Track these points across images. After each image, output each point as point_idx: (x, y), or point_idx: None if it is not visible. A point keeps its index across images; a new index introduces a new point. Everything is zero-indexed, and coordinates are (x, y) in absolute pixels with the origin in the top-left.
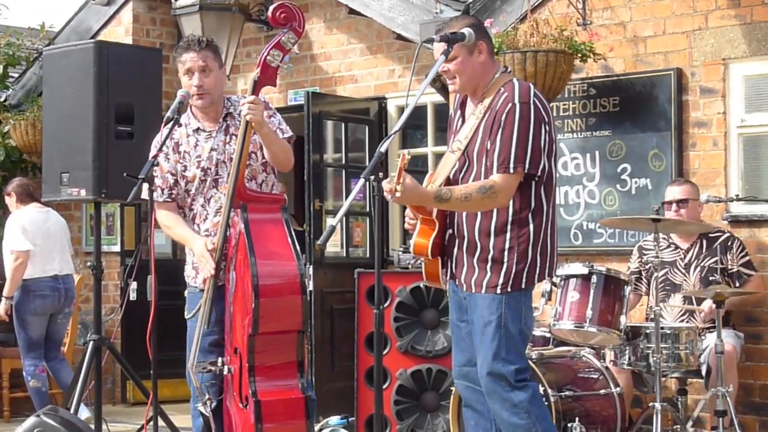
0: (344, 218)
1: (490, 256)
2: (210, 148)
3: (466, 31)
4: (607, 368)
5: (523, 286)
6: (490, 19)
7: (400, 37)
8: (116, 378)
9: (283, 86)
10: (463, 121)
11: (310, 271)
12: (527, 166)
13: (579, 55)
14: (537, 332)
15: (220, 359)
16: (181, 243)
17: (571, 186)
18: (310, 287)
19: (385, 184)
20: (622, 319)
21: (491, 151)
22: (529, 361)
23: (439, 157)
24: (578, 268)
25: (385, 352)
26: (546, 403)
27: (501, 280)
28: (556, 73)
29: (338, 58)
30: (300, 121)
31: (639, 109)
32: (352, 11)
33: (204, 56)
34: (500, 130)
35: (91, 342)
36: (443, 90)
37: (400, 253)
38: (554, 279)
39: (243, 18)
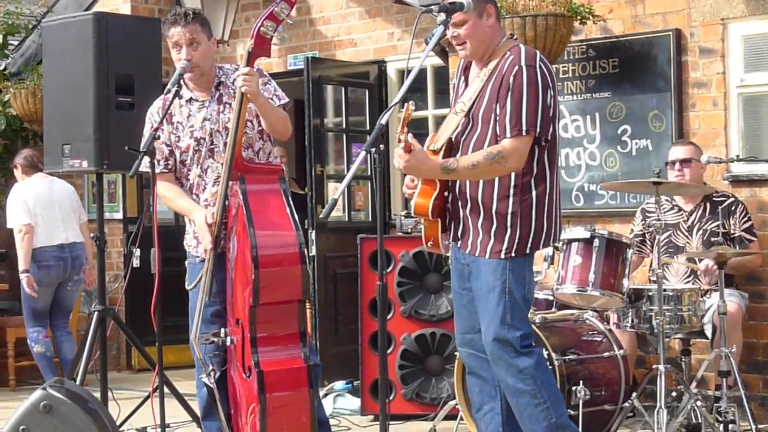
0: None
1: (494, 221)
2: (203, 118)
3: (465, 0)
4: (610, 331)
5: (527, 251)
6: None
7: (398, 0)
8: (121, 345)
9: (283, 50)
10: (467, 85)
11: (313, 236)
12: (539, 129)
13: (578, 17)
14: (540, 296)
15: (222, 330)
16: (181, 214)
17: (571, 148)
18: (313, 252)
19: (396, 154)
20: (625, 282)
21: (501, 115)
22: (533, 325)
23: (439, 119)
24: (580, 231)
25: (388, 317)
26: (550, 367)
27: (505, 246)
28: (555, 37)
29: (337, 21)
30: (299, 86)
31: (638, 71)
32: None
33: (191, 29)
34: (509, 93)
35: (96, 312)
36: (443, 53)
37: (402, 217)
38: (557, 243)
39: None
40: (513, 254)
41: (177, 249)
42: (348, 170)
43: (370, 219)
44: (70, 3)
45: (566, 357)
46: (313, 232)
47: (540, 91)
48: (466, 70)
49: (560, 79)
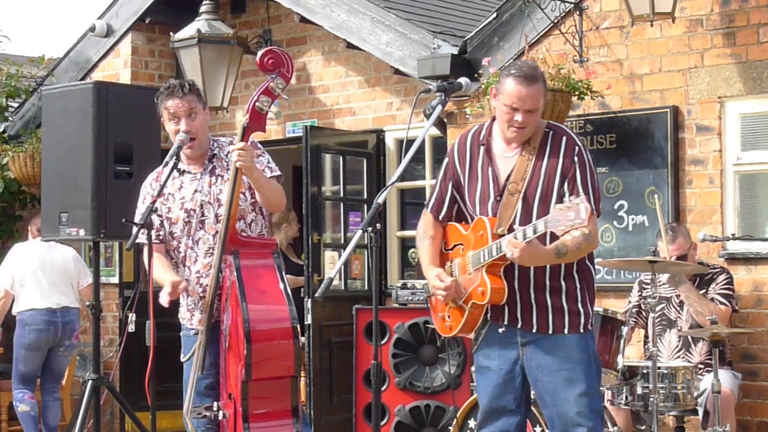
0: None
1: (565, 297)
2: (194, 190)
3: (463, 81)
4: (605, 407)
5: (590, 326)
6: (488, 58)
7: (398, 71)
8: (115, 410)
9: (282, 118)
10: (493, 164)
11: (309, 305)
12: (600, 207)
13: (576, 92)
14: None
15: (215, 404)
16: (160, 284)
17: None
18: (309, 320)
19: (510, 243)
20: (619, 359)
21: (572, 193)
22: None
23: None
24: None
25: (383, 389)
26: None
27: (582, 320)
28: (554, 112)
29: (336, 90)
30: (298, 154)
31: (636, 147)
32: (350, 45)
33: (189, 100)
34: (577, 174)
35: (90, 381)
36: (441, 125)
37: (398, 288)
38: None
39: (241, 50)
40: (590, 327)
41: (172, 315)
42: (345, 239)
43: (366, 288)
44: (70, 66)
45: None
46: (309, 300)
47: (595, 171)
48: (475, 145)
49: None
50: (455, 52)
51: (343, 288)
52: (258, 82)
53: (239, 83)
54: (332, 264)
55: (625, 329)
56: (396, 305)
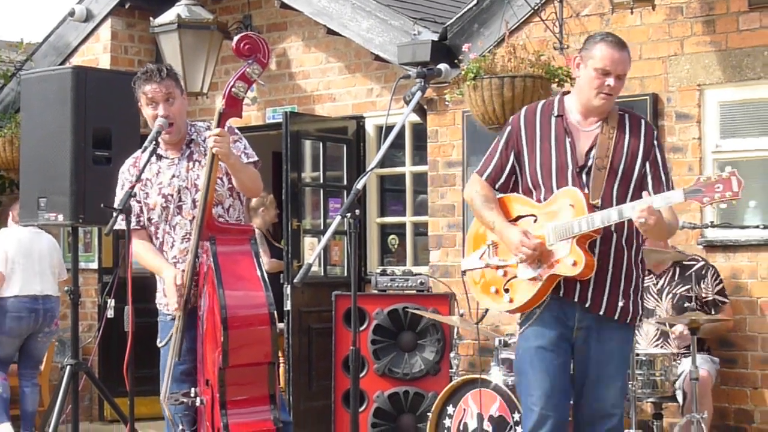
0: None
1: (634, 285)
2: (171, 175)
3: (443, 67)
4: None
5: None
6: (468, 44)
7: (378, 57)
8: (93, 396)
9: (262, 104)
10: (571, 136)
11: (288, 291)
12: None
13: (556, 79)
14: (513, 357)
15: (192, 390)
16: (151, 271)
17: None
18: (288, 306)
19: (639, 212)
20: None
21: (656, 178)
22: (505, 388)
23: (417, 176)
24: None
25: (362, 375)
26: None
27: (632, 312)
28: (533, 99)
29: (316, 76)
30: (278, 140)
31: None
32: (330, 31)
33: (167, 85)
34: (658, 156)
35: (68, 367)
36: (421, 111)
37: (378, 274)
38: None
39: (221, 36)
40: (636, 322)
41: (151, 300)
42: (324, 226)
43: (345, 274)
44: (49, 51)
45: None
46: (288, 286)
47: None
48: (545, 116)
49: None
50: (435, 39)
51: (322, 274)
52: (237, 68)
53: (219, 69)
54: (312, 250)
55: None
56: (375, 291)
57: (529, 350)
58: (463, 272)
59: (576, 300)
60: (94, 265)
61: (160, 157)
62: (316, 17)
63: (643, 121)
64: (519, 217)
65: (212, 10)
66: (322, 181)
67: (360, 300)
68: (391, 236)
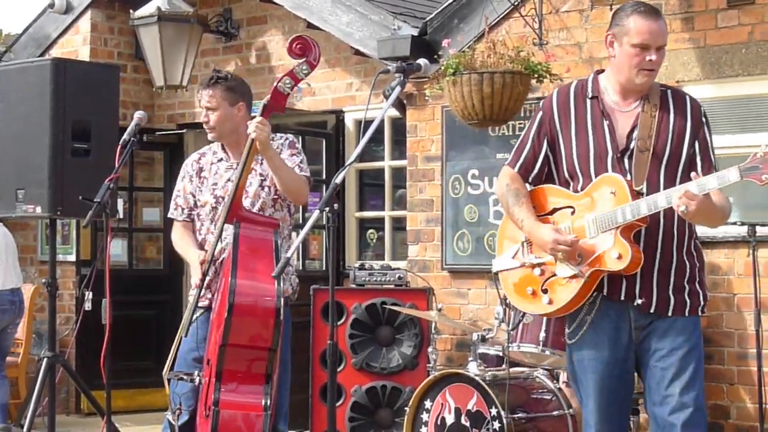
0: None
1: (688, 275)
2: (227, 178)
3: (422, 62)
4: (560, 389)
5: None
6: (448, 39)
7: (358, 51)
8: (70, 388)
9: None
10: (608, 118)
11: None
12: None
13: (536, 75)
14: (491, 352)
15: (196, 371)
16: (185, 259)
17: None
18: None
19: (679, 198)
20: None
21: (707, 158)
22: (483, 383)
23: (396, 170)
24: None
25: (339, 369)
26: (500, 425)
27: (702, 302)
28: (512, 94)
29: None
30: None
31: None
32: (310, 25)
33: (210, 94)
34: (707, 135)
35: (45, 359)
36: (400, 106)
37: (356, 269)
38: (508, 301)
39: (201, 29)
40: (705, 310)
41: (129, 293)
42: (303, 220)
43: (324, 268)
44: (29, 42)
45: (516, 415)
46: None
47: None
48: (581, 97)
49: (516, 135)
50: (415, 34)
51: (301, 268)
52: (216, 61)
53: (199, 62)
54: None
55: None
56: (353, 286)
57: (582, 361)
58: (495, 274)
59: (622, 299)
60: (72, 258)
61: (220, 160)
62: (296, 11)
63: (688, 98)
64: (555, 210)
65: (192, 3)
66: None
67: (338, 294)
68: (370, 230)
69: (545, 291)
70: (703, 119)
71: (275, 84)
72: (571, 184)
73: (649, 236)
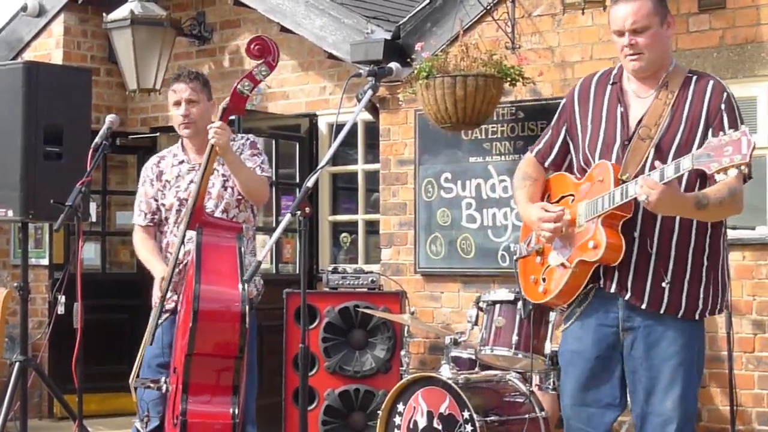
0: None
1: (687, 274)
2: (190, 180)
3: (394, 65)
4: (532, 392)
5: (717, 311)
6: (421, 43)
7: (331, 55)
8: (43, 392)
9: (214, 102)
10: (624, 105)
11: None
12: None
13: (508, 79)
14: (463, 355)
15: (163, 378)
16: (147, 267)
17: (498, 208)
18: None
19: (640, 187)
20: (548, 344)
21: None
22: (456, 386)
23: (370, 174)
24: (504, 294)
25: (312, 372)
26: (472, 428)
27: (700, 306)
28: (485, 98)
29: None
30: None
31: None
32: (283, 28)
33: (192, 87)
34: (725, 122)
35: (17, 363)
36: (373, 109)
37: (329, 272)
38: (481, 304)
39: (174, 32)
40: (707, 314)
41: (102, 296)
42: (276, 223)
43: (297, 271)
44: (1, 45)
45: (488, 418)
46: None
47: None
48: (616, 83)
49: (489, 139)
50: (388, 37)
51: (274, 271)
52: (190, 65)
53: (172, 65)
54: (263, 247)
55: (554, 315)
56: (326, 289)
57: (565, 354)
58: (515, 262)
59: (613, 291)
60: (45, 261)
61: (182, 162)
62: (270, 15)
63: (711, 82)
64: (562, 198)
65: (165, 7)
66: (274, 178)
67: (311, 298)
68: (343, 234)
69: (544, 279)
70: (723, 105)
71: (234, 86)
72: (587, 171)
73: (645, 226)
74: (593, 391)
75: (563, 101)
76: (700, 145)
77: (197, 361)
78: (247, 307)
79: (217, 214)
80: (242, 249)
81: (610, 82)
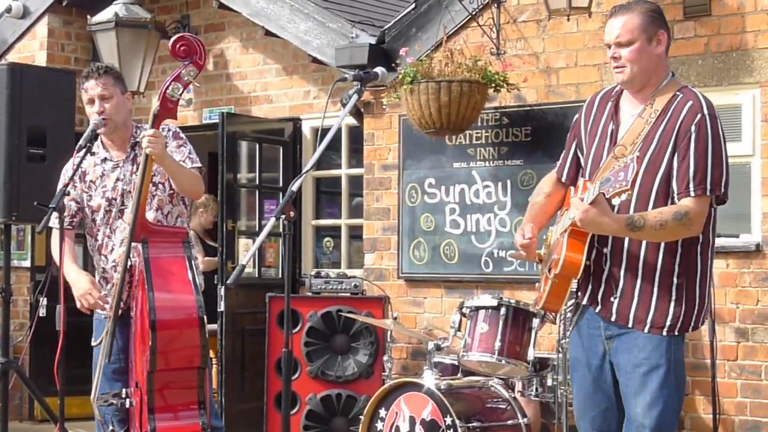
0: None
1: (656, 289)
2: (116, 178)
3: (379, 70)
4: (515, 398)
5: (690, 328)
6: (405, 48)
7: (315, 59)
8: (24, 395)
9: (198, 104)
10: (616, 122)
11: (222, 292)
12: (722, 189)
13: (493, 84)
14: (446, 361)
15: (123, 390)
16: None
17: (482, 214)
18: (222, 308)
19: (573, 205)
20: (530, 350)
21: (682, 169)
22: (438, 392)
23: (353, 178)
24: (487, 299)
25: (295, 377)
26: None
27: (669, 321)
28: (470, 103)
29: (254, 77)
30: (214, 140)
31: (550, 140)
32: (268, 32)
33: (104, 83)
34: (691, 144)
35: None
36: (357, 114)
37: (312, 277)
38: (464, 310)
39: (159, 35)
40: (676, 332)
41: None
42: (260, 227)
43: (280, 276)
44: None
45: (470, 424)
46: (222, 288)
47: (723, 146)
48: (604, 101)
49: (473, 145)
50: (373, 42)
51: (256, 276)
52: (175, 67)
53: (156, 68)
54: (246, 251)
55: (536, 321)
56: (309, 294)
57: (570, 359)
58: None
59: (585, 303)
60: (27, 264)
61: (104, 160)
62: (254, 18)
63: (689, 103)
64: (565, 210)
65: (150, 10)
66: (258, 182)
67: (294, 302)
68: (327, 238)
69: (542, 288)
70: (693, 127)
71: (163, 91)
72: None
73: (615, 245)
74: (593, 395)
75: (575, 116)
76: (668, 166)
77: (159, 377)
78: (204, 314)
79: (152, 212)
80: (191, 255)
81: (611, 99)
